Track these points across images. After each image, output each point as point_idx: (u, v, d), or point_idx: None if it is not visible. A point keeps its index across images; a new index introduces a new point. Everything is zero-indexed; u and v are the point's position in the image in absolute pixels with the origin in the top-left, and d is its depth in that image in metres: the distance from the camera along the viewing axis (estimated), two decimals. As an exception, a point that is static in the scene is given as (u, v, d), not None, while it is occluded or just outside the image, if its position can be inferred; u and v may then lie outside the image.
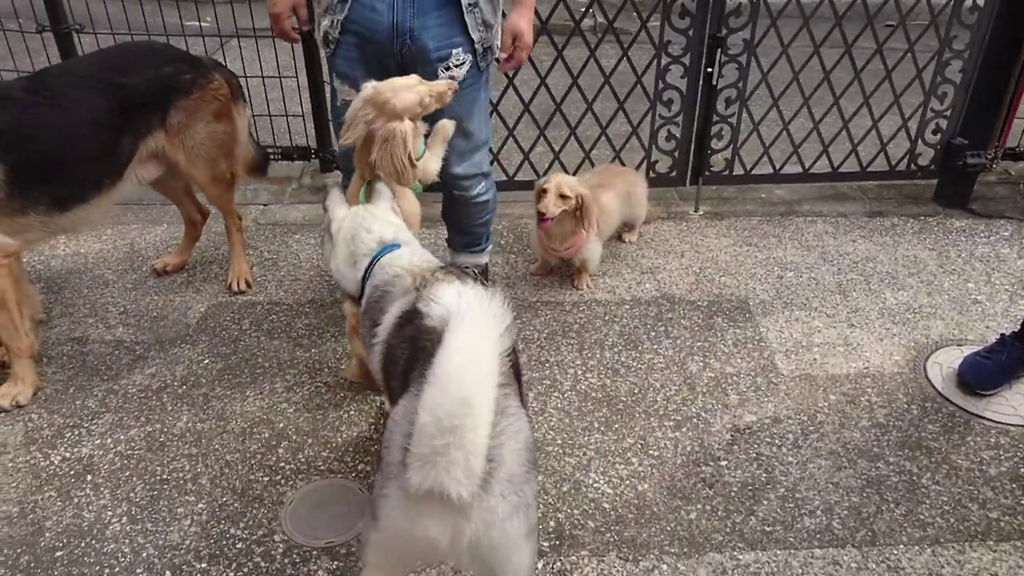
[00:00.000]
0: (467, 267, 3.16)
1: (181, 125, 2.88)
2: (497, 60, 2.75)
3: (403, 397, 1.64)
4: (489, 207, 3.06)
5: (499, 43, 2.72)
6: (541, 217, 3.04)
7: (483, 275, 3.21)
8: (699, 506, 2.33)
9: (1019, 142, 4.19)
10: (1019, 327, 2.77)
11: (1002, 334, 2.83)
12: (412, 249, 2.11)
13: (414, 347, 1.72)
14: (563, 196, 3.03)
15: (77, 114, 2.64)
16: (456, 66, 2.59)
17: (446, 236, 3.25)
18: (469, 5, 2.53)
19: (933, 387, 2.80)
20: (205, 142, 2.95)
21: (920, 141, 3.95)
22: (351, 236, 2.13)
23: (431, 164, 2.54)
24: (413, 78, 2.39)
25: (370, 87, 2.36)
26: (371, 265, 2.08)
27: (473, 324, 1.39)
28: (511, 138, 3.80)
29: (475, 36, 2.58)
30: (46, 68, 2.85)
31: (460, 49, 2.57)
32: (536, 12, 3.42)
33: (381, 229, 2.13)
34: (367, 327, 2.03)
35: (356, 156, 2.48)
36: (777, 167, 3.97)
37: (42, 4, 3.65)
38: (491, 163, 3.56)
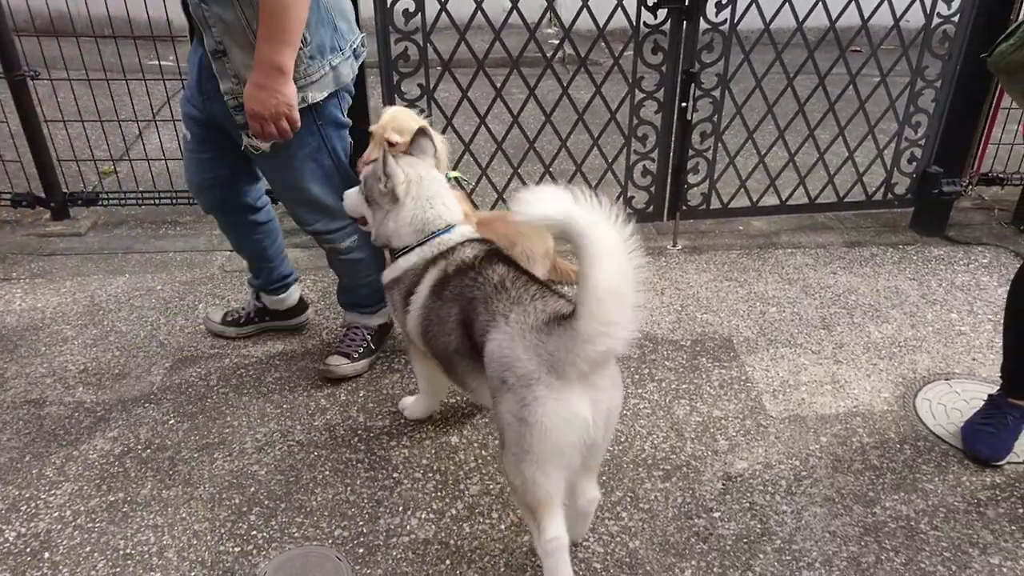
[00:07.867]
0: (357, 327, 2.97)
1: None
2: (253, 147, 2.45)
3: (494, 329, 1.92)
4: (364, 265, 2.81)
5: None
6: None
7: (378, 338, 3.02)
8: (693, 563, 2.23)
9: (992, 167, 4.20)
10: (1000, 379, 2.66)
11: (989, 395, 2.67)
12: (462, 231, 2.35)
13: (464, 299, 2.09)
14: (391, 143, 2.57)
15: None
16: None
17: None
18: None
19: (924, 424, 2.73)
20: None
21: (896, 170, 3.93)
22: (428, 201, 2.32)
23: None
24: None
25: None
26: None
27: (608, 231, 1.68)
28: (484, 177, 3.71)
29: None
30: None
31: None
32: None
33: (451, 212, 2.35)
34: (401, 294, 2.32)
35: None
36: (754, 200, 3.93)
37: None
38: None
